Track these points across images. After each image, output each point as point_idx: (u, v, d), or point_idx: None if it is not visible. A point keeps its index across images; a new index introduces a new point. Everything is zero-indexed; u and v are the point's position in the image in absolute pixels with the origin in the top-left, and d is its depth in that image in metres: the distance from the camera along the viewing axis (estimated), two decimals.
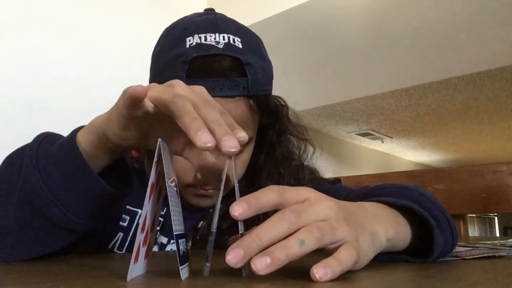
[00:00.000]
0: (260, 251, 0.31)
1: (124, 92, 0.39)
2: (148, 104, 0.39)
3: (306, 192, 0.35)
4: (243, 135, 0.35)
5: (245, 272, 0.33)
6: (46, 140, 0.47)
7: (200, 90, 0.39)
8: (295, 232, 0.32)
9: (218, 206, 0.34)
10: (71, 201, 0.45)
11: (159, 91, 0.38)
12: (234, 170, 0.35)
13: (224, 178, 0.36)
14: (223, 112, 0.37)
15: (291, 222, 0.32)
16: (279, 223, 0.32)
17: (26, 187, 0.45)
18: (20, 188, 0.46)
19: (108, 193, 0.46)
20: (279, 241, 0.32)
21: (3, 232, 0.47)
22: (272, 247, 0.31)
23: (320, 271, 0.30)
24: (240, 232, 0.34)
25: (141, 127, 0.42)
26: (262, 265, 0.30)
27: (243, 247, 0.31)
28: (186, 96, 0.37)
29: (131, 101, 0.38)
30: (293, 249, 0.31)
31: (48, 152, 0.45)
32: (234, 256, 0.30)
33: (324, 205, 0.35)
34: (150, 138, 0.44)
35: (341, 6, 2.33)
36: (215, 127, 0.34)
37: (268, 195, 0.33)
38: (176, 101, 0.36)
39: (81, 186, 0.45)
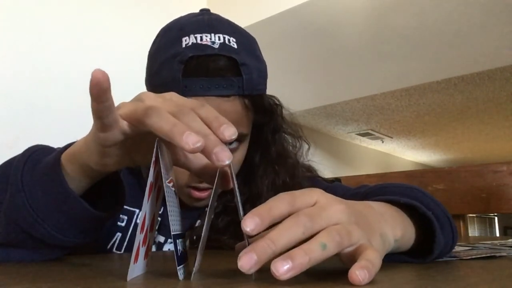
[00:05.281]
0: (275, 257, 0.29)
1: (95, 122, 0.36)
2: (123, 124, 0.36)
3: (315, 195, 0.35)
4: (232, 132, 0.33)
5: (254, 276, 0.32)
6: (33, 156, 0.45)
7: (171, 96, 0.37)
8: (310, 237, 0.31)
9: (212, 210, 0.34)
10: (57, 222, 0.43)
11: (129, 108, 0.36)
12: (232, 169, 0.35)
13: (216, 178, 0.35)
14: (201, 105, 0.35)
15: (305, 226, 0.31)
16: (294, 227, 0.31)
17: (12, 207, 0.44)
18: (7, 207, 0.45)
19: (94, 216, 0.44)
20: (293, 246, 0.30)
21: None
22: (294, 251, 0.29)
23: (362, 274, 0.29)
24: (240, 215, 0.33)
25: (122, 150, 0.40)
26: (284, 269, 0.28)
27: (256, 252, 0.29)
28: (160, 107, 0.34)
29: (97, 95, 0.33)
30: (315, 253, 0.30)
31: (33, 172, 0.44)
32: (247, 262, 0.29)
33: (335, 209, 0.34)
34: (135, 155, 0.42)
35: (341, 6, 2.33)
36: (202, 138, 0.32)
37: (280, 206, 0.32)
38: (150, 113, 0.33)
39: (66, 210, 0.43)
